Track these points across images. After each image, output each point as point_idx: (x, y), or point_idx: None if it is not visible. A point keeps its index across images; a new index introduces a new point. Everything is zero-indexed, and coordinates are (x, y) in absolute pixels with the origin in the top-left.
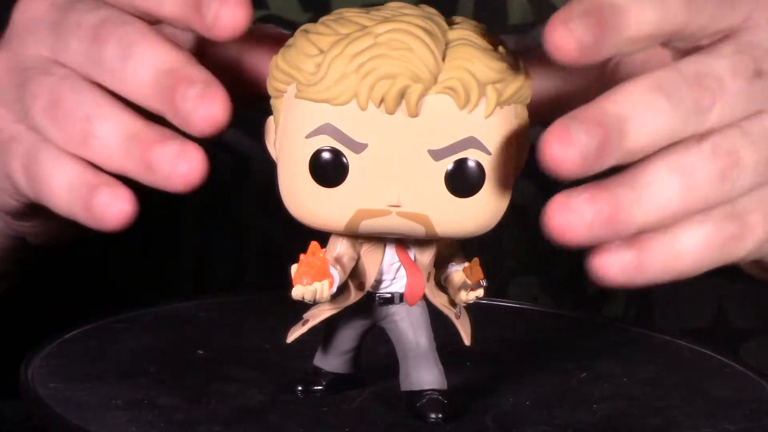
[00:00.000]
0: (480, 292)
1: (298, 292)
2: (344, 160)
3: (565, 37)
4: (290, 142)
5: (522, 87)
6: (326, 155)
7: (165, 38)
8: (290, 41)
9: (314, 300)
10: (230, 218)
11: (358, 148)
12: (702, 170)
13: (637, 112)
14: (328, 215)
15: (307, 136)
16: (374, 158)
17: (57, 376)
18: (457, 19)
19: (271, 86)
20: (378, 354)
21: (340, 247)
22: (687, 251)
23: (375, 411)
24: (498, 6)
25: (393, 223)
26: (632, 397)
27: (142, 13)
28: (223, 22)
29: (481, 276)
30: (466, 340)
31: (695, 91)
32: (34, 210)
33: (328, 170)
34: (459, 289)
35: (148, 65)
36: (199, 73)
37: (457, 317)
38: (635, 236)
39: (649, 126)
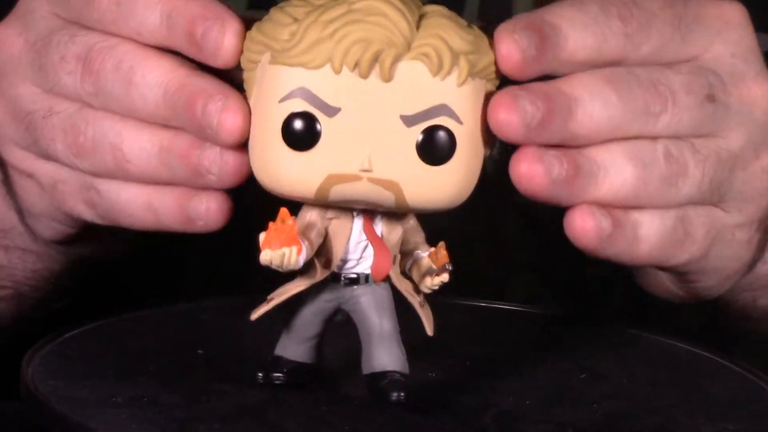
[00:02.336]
0: (445, 277)
1: (266, 256)
2: (317, 123)
3: (512, 47)
4: (263, 107)
5: (492, 64)
6: (299, 119)
7: (162, 54)
8: (265, 17)
9: (282, 266)
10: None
11: (332, 111)
12: (653, 167)
13: (586, 96)
14: (299, 180)
15: (281, 100)
16: (347, 122)
17: (57, 374)
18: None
19: (245, 58)
20: None
21: (308, 220)
22: (645, 239)
23: (374, 410)
24: (503, 6)
25: (364, 189)
26: (632, 396)
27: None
28: (224, 50)
29: (447, 260)
30: (429, 330)
31: (647, 93)
32: (88, 232)
33: (301, 133)
34: (424, 275)
35: (155, 87)
36: (212, 85)
37: (421, 306)
38: (609, 210)
39: (596, 113)
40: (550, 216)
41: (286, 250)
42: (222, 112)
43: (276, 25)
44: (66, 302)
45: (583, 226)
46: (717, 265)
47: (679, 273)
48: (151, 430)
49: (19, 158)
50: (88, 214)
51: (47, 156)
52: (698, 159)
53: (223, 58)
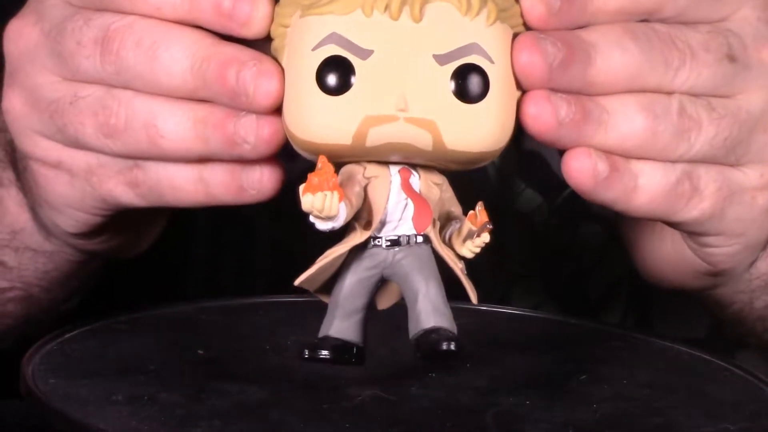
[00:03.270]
0: (486, 237)
1: (307, 200)
2: (351, 66)
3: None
4: (296, 58)
5: (519, 14)
6: (333, 63)
7: (183, 27)
8: None
9: (323, 211)
10: (241, 222)
11: (364, 54)
12: (665, 120)
13: (606, 44)
14: (336, 125)
15: (314, 48)
16: (380, 64)
17: (57, 373)
18: None
19: (276, 24)
20: (379, 354)
21: (347, 181)
22: (643, 189)
23: (376, 408)
24: None
25: (401, 130)
26: (632, 397)
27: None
28: (255, 20)
29: (487, 219)
30: (473, 298)
31: (666, 47)
32: (112, 224)
33: (336, 77)
34: (465, 240)
35: (181, 60)
36: (242, 51)
37: (464, 273)
38: (608, 155)
39: (615, 61)
40: (552, 223)
41: (327, 193)
42: (257, 77)
43: None
44: (74, 303)
45: (579, 167)
46: (736, 228)
47: (695, 233)
48: (151, 428)
49: (46, 148)
50: (128, 196)
51: (76, 143)
52: (713, 117)
53: (255, 28)
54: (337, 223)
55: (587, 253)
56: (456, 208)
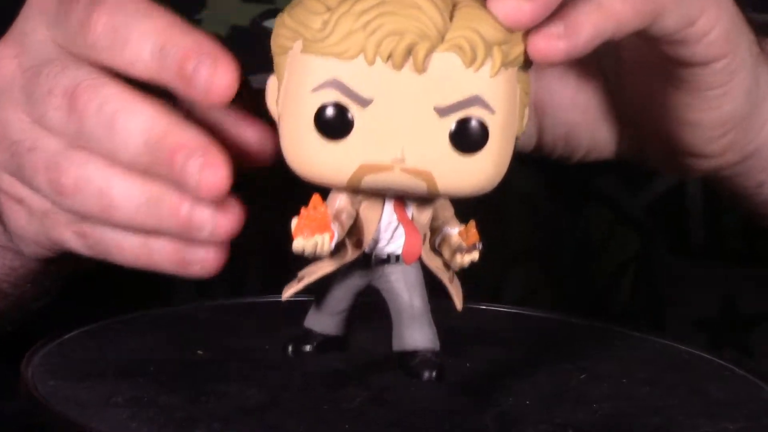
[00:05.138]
0: (475, 255)
1: (298, 244)
2: (349, 113)
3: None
4: (295, 96)
5: (520, 40)
6: (332, 108)
7: (147, 99)
8: (295, 2)
9: (314, 253)
10: None
11: (364, 102)
12: None
13: None
14: (331, 169)
15: (313, 90)
16: (380, 113)
17: (57, 374)
18: None
19: (276, 43)
20: (378, 353)
21: (339, 203)
22: (612, 6)
23: (374, 410)
24: None
25: (396, 178)
26: (632, 396)
27: (116, 70)
28: (215, 88)
29: (477, 239)
30: (458, 305)
31: None
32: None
33: (334, 123)
34: (454, 252)
35: (136, 135)
36: (193, 138)
37: (450, 281)
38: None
39: None
40: (551, 205)
41: (318, 238)
42: (203, 169)
43: (308, 13)
44: (45, 301)
45: (534, 44)
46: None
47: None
48: (150, 430)
49: (9, 183)
50: (77, 245)
51: (31, 186)
52: None
53: (216, 97)
54: (328, 253)
55: (592, 235)
56: (448, 212)
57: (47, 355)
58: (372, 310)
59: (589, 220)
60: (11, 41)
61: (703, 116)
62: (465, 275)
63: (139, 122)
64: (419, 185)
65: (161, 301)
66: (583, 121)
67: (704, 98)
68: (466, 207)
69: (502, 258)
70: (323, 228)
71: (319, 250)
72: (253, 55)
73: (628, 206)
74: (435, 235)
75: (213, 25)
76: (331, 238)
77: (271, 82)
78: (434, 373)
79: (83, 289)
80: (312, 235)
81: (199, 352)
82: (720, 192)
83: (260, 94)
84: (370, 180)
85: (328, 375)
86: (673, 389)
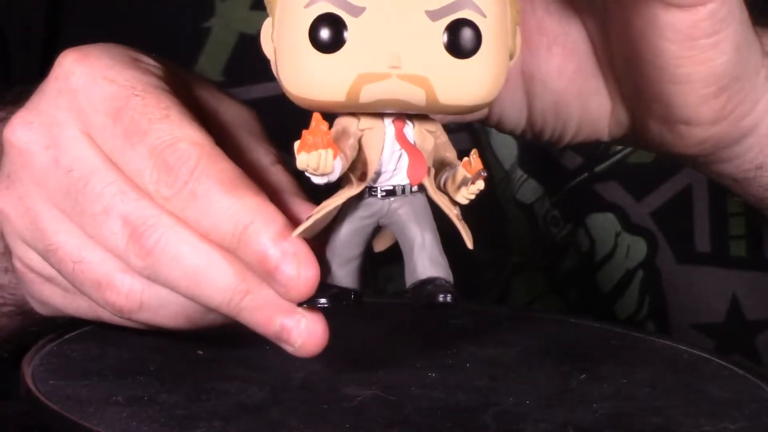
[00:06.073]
0: (481, 184)
1: (302, 159)
2: (343, 23)
3: None
4: (289, 16)
5: None
6: (325, 21)
7: (225, 252)
8: None
9: (318, 169)
10: None
11: (357, 11)
12: None
13: None
14: (329, 83)
15: (306, 6)
16: (373, 21)
17: (57, 374)
18: None
19: None
20: (379, 353)
21: (341, 133)
22: None
23: (375, 408)
24: None
25: (394, 87)
26: (632, 397)
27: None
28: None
29: (481, 166)
30: (469, 243)
31: None
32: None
33: (328, 35)
34: (460, 186)
35: (221, 290)
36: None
37: (459, 219)
38: None
39: None
40: (554, 215)
41: (321, 151)
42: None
43: None
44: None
45: None
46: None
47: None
48: (151, 429)
49: (33, 260)
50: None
51: (72, 287)
52: None
53: (296, 294)
54: (333, 177)
55: (596, 244)
56: (451, 153)
57: (47, 355)
58: (372, 310)
59: (595, 228)
60: (38, 126)
61: (693, 71)
62: (470, 281)
63: (216, 288)
64: (418, 94)
65: None
66: (572, 88)
67: (693, 48)
68: (468, 214)
69: (506, 266)
70: (326, 144)
71: (322, 164)
72: (263, 64)
73: (634, 214)
74: (440, 175)
75: (221, 32)
76: (335, 154)
77: (266, 23)
78: (449, 297)
79: None
80: (315, 149)
81: (200, 351)
82: (721, 180)
83: None
84: (368, 91)
85: (328, 373)
86: (673, 389)
